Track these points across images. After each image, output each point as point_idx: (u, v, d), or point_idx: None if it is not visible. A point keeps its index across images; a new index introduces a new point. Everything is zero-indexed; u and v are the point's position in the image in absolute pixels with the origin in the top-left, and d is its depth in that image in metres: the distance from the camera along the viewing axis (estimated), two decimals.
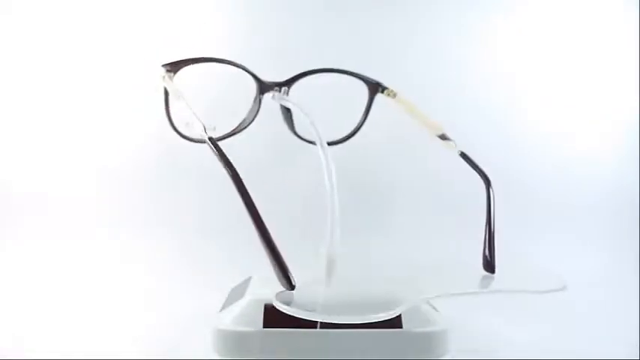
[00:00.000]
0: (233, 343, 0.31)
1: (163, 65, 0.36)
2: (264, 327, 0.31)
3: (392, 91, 0.40)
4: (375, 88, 0.39)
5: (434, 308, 0.34)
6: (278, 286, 0.34)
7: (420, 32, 0.70)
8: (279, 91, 0.37)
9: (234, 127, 0.38)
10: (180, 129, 0.36)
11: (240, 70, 0.37)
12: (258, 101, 0.37)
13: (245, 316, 0.31)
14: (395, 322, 0.31)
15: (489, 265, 0.37)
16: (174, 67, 0.36)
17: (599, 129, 0.71)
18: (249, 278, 0.37)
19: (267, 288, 0.33)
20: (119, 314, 0.40)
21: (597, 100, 0.72)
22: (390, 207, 0.64)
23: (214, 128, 0.33)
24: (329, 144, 0.37)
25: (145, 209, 0.65)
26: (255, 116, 0.37)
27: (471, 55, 0.69)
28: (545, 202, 0.68)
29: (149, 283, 0.49)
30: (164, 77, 0.36)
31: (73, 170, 0.67)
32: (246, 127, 0.38)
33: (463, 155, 0.39)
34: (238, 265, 0.41)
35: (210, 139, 0.32)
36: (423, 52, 0.68)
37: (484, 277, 0.36)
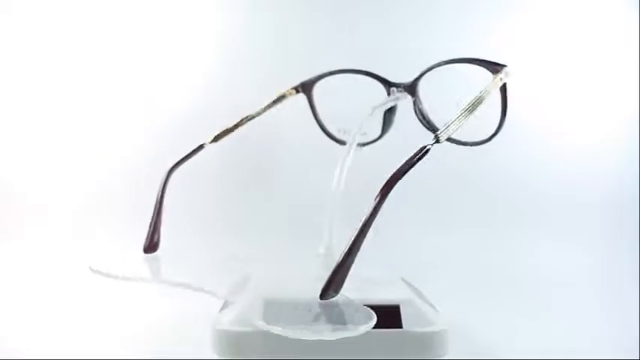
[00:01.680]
0: (233, 343, 0.31)
1: (298, 85, 0.39)
2: None
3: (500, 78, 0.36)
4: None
5: (434, 308, 0.34)
6: (278, 286, 0.34)
7: (419, 32, 0.70)
8: (404, 92, 0.37)
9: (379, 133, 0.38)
10: (334, 134, 0.39)
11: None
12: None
13: (245, 316, 0.31)
14: (395, 322, 0.31)
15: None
16: (309, 84, 0.39)
17: (599, 128, 0.71)
18: (249, 277, 0.37)
19: (267, 287, 0.33)
20: (119, 314, 0.40)
21: (597, 100, 0.72)
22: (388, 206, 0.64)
23: (365, 133, 0.36)
24: (472, 144, 0.36)
25: (145, 209, 0.65)
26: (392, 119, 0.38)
27: (470, 55, 0.69)
28: (544, 202, 0.68)
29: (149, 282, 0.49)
30: (295, 92, 0.39)
31: (73, 170, 0.67)
32: (387, 132, 0.38)
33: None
34: (238, 265, 0.41)
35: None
36: (422, 52, 0.68)
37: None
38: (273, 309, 0.30)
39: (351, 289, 0.34)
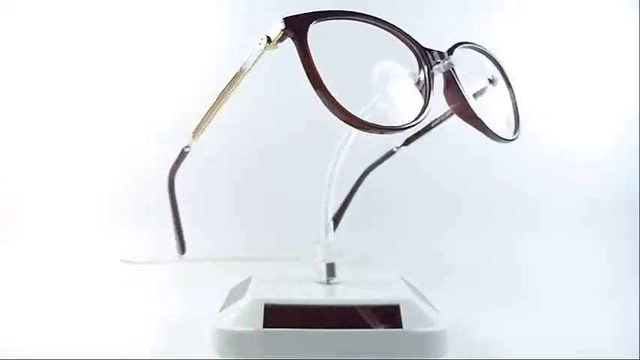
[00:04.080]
0: (233, 343, 0.31)
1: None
2: (264, 327, 0.31)
3: None
4: None
5: (434, 308, 0.34)
6: (278, 286, 0.34)
7: (419, 32, 0.70)
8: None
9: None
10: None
11: None
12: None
13: (245, 316, 0.31)
14: (395, 322, 0.31)
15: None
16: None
17: (599, 128, 0.71)
18: (249, 278, 0.37)
19: (267, 288, 0.34)
20: (119, 314, 0.40)
21: (597, 100, 0.72)
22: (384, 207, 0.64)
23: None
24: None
25: (145, 210, 0.65)
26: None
27: (470, 54, 0.69)
28: (545, 203, 0.68)
29: (149, 282, 0.49)
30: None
31: (73, 170, 0.67)
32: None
33: None
34: (238, 265, 0.41)
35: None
36: None
37: None
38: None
39: (352, 290, 0.34)
